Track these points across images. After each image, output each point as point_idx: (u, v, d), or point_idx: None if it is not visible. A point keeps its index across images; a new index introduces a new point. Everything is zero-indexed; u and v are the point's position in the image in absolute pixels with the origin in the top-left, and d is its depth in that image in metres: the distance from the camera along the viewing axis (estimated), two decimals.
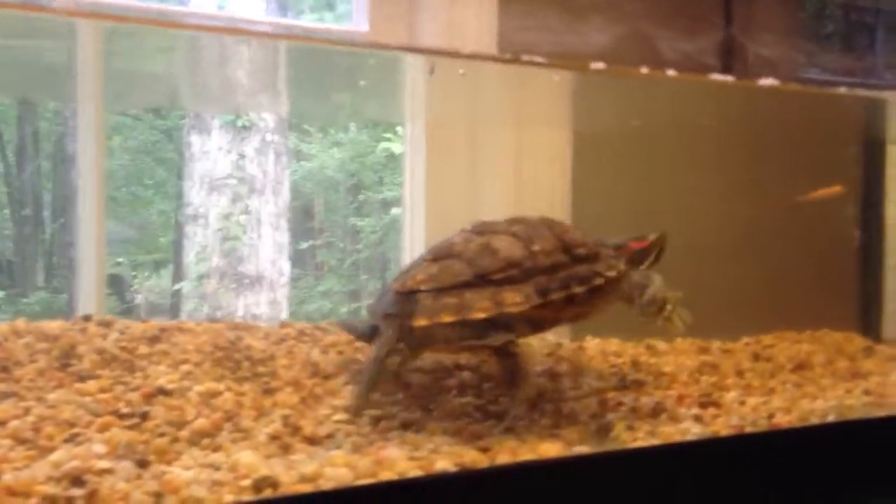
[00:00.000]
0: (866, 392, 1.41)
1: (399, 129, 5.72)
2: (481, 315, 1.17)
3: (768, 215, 1.67)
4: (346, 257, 6.45)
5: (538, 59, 1.17)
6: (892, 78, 1.90)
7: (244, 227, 5.24)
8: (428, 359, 1.37)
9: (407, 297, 1.20)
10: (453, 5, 1.53)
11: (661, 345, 1.59)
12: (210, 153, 5.23)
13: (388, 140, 5.84)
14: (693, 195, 1.70)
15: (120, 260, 5.85)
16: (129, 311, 5.55)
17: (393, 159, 5.76)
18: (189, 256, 5.30)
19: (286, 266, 5.46)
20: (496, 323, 1.19)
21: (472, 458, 1.07)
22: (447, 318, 1.17)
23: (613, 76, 1.18)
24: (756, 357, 1.56)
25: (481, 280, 1.21)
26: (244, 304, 5.14)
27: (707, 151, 1.77)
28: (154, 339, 1.30)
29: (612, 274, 1.27)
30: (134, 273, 6.07)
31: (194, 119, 5.27)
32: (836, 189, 1.80)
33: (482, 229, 1.31)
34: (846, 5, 1.80)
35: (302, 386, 1.23)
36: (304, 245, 6.23)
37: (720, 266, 1.38)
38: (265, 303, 5.17)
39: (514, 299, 1.19)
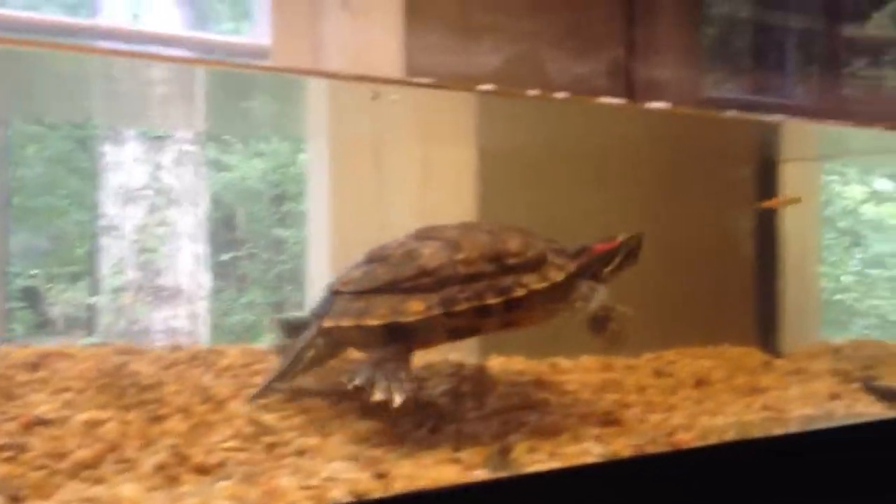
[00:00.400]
0: (765, 407, 1.42)
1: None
2: (375, 322, 1.20)
3: (668, 233, 1.68)
4: (269, 269, 6.36)
5: (424, 80, 1.16)
6: (802, 94, 1.94)
7: (161, 239, 5.14)
8: (328, 381, 1.35)
9: (332, 297, 1.28)
10: (357, 22, 1.51)
11: (564, 363, 1.59)
12: (125, 164, 5.12)
13: (304, 151, 5.79)
14: (592, 213, 1.71)
15: (34, 272, 5.68)
16: (44, 324, 5.39)
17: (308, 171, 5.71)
18: (104, 269, 5.17)
19: (206, 278, 5.37)
20: (396, 331, 1.21)
21: (367, 486, 1.04)
22: (346, 323, 1.22)
23: (502, 97, 1.17)
24: (658, 373, 1.57)
25: (394, 286, 1.23)
26: (163, 317, 5.04)
27: (606, 171, 1.79)
28: (34, 366, 1.25)
29: (537, 286, 1.25)
30: (49, 285, 5.90)
31: (109, 129, 5.15)
32: (796, 198, 1.81)
33: (423, 234, 1.32)
34: (754, 24, 1.82)
35: (192, 413, 1.19)
36: (226, 257, 6.13)
37: (621, 282, 1.38)
38: (184, 316, 5.07)
39: (415, 308, 1.21)
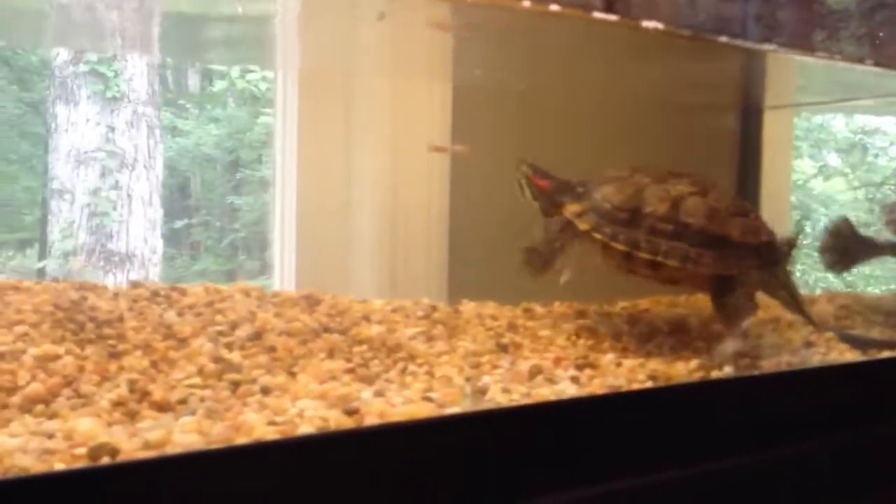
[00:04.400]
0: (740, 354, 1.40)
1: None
2: None
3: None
4: (223, 237, 6.26)
5: None
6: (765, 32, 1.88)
7: (114, 204, 5.02)
8: (296, 322, 1.29)
9: None
10: None
11: (538, 309, 1.55)
12: (77, 125, 4.99)
13: (268, 115, 5.68)
14: (574, 150, 1.67)
15: None
16: None
17: (273, 136, 5.60)
18: (54, 234, 5.05)
19: (159, 244, 5.27)
20: None
21: (338, 421, 1.00)
22: None
23: (492, 8, 1.12)
24: (633, 321, 1.54)
25: None
26: (114, 282, 4.92)
27: (591, 104, 1.75)
28: None
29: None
30: None
31: (60, 90, 5.01)
32: (465, 148, 1.77)
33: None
34: None
35: (153, 349, 1.13)
36: (179, 224, 6.02)
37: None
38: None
39: None
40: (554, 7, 0.98)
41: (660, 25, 1.08)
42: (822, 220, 5.90)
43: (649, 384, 1.22)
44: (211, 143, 6.09)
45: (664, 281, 1.45)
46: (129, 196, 5.05)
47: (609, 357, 1.31)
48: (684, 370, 1.29)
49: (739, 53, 1.38)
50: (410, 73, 1.68)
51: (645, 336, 1.45)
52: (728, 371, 1.31)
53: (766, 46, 1.27)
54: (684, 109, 1.84)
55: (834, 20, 1.47)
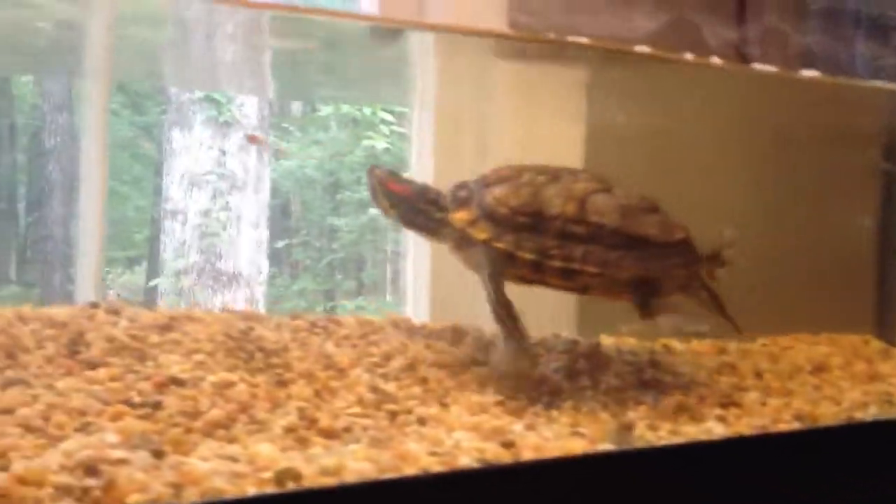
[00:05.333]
0: (886, 394, 1.39)
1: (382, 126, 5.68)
2: None
3: (783, 214, 1.65)
4: (322, 256, 6.40)
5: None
6: None
7: (224, 224, 5.18)
8: (444, 354, 1.34)
9: None
10: None
11: (676, 345, 1.56)
12: (191, 149, 5.16)
13: (370, 138, 5.80)
14: (708, 192, 1.68)
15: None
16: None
17: (374, 157, 5.71)
18: (166, 252, 5.22)
19: (264, 264, 5.41)
20: None
21: (495, 454, 1.03)
22: None
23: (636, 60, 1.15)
24: (774, 358, 1.54)
25: None
26: (220, 301, 5.07)
27: (729, 146, 1.75)
28: (165, 328, 1.25)
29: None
30: (107, 269, 5.99)
31: (175, 114, 5.20)
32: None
33: None
34: None
35: (316, 378, 1.18)
36: (281, 244, 6.17)
37: (735, 265, 1.35)
38: (241, 300, 5.11)
39: None
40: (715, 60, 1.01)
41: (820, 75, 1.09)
42: None
43: (796, 425, 1.22)
44: (313, 165, 6.23)
45: (577, 290, 1.31)
46: (238, 217, 5.20)
47: (753, 396, 1.32)
48: (829, 410, 1.29)
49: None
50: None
51: (787, 375, 1.45)
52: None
53: None
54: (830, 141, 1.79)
55: None
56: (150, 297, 5.47)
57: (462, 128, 1.71)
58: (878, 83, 1.23)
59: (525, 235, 1.23)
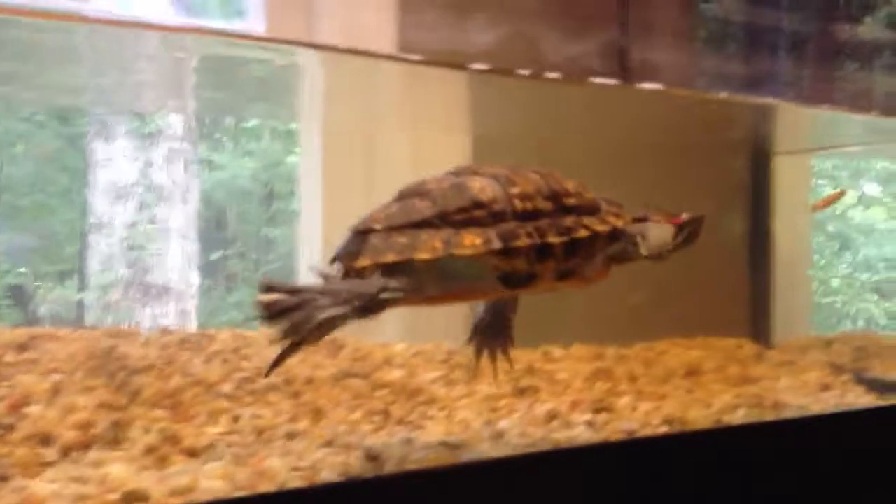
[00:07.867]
0: (756, 396, 1.42)
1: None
2: (426, 256, 1.00)
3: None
4: (258, 268, 6.35)
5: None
6: (792, 92, 1.93)
7: (150, 237, 5.12)
8: (318, 370, 1.34)
9: (359, 237, 1.03)
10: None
11: (557, 351, 1.58)
12: (115, 160, 5.10)
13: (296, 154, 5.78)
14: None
15: (22, 270, 5.65)
16: (33, 322, 5.37)
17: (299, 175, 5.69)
18: (93, 266, 5.14)
19: (195, 276, 5.34)
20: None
21: (359, 467, 1.04)
22: (390, 258, 1.00)
23: (499, 76, 1.16)
24: (649, 363, 1.57)
25: (442, 220, 1.03)
26: (151, 314, 5.00)
27: (606, 158, 1.77)
28: (22, 347, 1.24)
29: (600, 228, 1.11)
30: (37, 283, 5.87)
31: (99, 126, 5.13)
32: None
33: (464, 170, 1.11)
34: (747, 23, 1.81)
35: (182, 396, 1.18)
36: (215, 255, 6.11)
37: (616, 273, 1.37)
38: (173, 313, 5.04)
39: (470, 241, 1.02)
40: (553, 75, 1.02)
41: (660, 87, 1.12)
42: (861, 250, 5.88)
43: (664, 429, 1.25)
44: (246, 177, 6.19)
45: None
46: (165, 229, 5.14)
47: (625, 401, 1.34)
48: (700, 414, 1.32)
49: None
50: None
51: (660, 379, 1.47)
52: None
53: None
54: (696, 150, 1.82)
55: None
56: (80, 312, 5.38)
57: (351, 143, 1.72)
58: (741, 97, 1.27)
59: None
